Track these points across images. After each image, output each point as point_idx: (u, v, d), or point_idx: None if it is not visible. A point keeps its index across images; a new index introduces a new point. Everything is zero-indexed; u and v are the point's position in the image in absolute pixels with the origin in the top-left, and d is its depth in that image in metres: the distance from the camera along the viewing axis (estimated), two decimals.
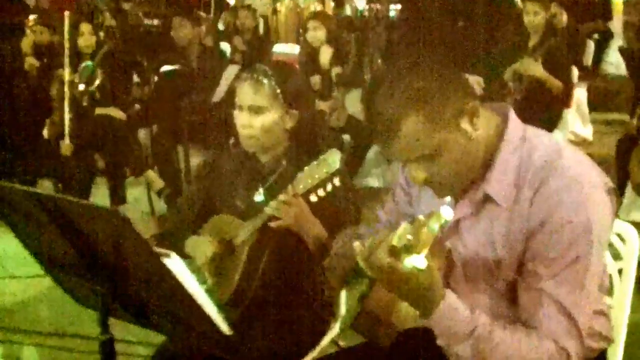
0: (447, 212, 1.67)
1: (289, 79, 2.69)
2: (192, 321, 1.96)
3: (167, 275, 1.80)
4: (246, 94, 2.66)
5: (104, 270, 1.94)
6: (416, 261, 1.66)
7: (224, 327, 1.92)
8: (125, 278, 1.96)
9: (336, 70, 6.54)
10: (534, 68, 5.81)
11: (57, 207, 1.85)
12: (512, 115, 1.99)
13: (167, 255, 1.81)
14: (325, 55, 6.63)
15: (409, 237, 1.65)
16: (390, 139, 1.87)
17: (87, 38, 6.12)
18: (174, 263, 1.81)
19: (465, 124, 1.87)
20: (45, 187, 6.42)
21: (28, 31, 6.44)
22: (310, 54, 6.78)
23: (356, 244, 1.79)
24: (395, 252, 1.69)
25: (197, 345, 2.38)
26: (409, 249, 1.65)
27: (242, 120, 2.68)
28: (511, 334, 1.85)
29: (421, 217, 1.67)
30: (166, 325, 2.11)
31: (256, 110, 2.65)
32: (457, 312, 1.82)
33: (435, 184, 1.96)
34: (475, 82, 4.60)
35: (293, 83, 2.70)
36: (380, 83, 1.91)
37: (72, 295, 2.23)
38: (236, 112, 2.72)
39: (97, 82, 6.02)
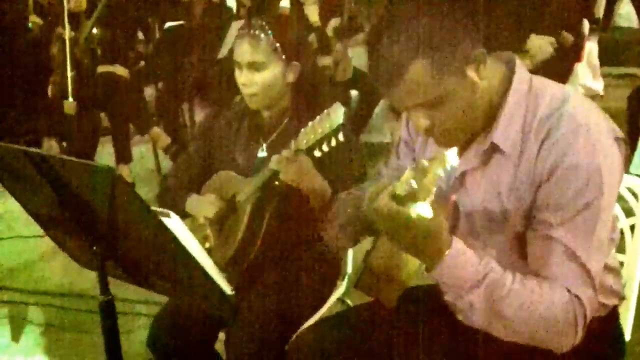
0: (451, 156, 1.62)
1: (287, 31, 2.64)
2: (193, 282, 1.92)
3: (166, 235, 1.76)
4: (244, 51, 2.63)
5: (100, 231, 1.90)
6: (422, 209, 1.60)
7: (226, 288, 1.89)
8: (123, 238, 1.92)
9: (333, 23, 6.48)
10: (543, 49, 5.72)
11: (49, 166, 1.81)
12: (519, 64, 1.94)
13: (167, 215, 1.76)
14: (313, 13, 6.57)
15: (413, 183, 1.60)
16: (394, 84, 1.81)
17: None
18: (174, 223, 1.76)
19: (471, 72, 1.82)
20: (51, 146, 6.41)
21: None
22: (300, 12, 6.72)
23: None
24: (399, 200, 1.64)
25: (198, 306, 2.36)
26: (412, 196, 1.60)
27: (243, 79, 2.64)
28: (522, 282, 1.79)
29: (425, 162, 1.62)
30: (166, 286, 2.08)
31: (256, 66, 2.62)
32: (466, 257, 1.77)
33: (437, 133, 1.90)
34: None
35: (292, 34, 2.65)
36: (384, 24, 1.83)
37: (72, 255, 2.20)
38: (237, 71, 2.68)
39: (96, 38, 5.96)
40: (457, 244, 1.77)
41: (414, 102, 1.83)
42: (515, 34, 4.30)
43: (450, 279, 1.78)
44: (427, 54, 1.75)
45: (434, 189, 1.60)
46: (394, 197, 1.65)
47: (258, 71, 2.61)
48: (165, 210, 1.78)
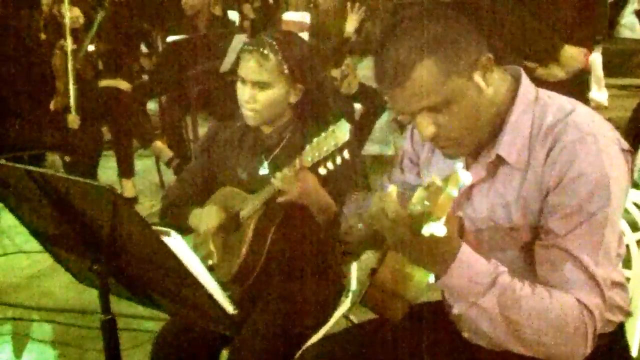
0: (465, 176, 1.58)
1: (295, 49, 2.61)
2: (194, 300, 1.91)
3: (167, 254, 1.74)
4: (251, 68, 2.59)
5: (102, 249, 1.89)
6: (435, 228, 1.55)
7: (228, 307, 1.87)
8: (124, 257, 1.91)
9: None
10: (553, 73, 5.70)
11: (51, 185, 1.80)
12: (524, 77, 1.93)
13: (167, 234, 1.75)
14: (351, 23, 6.59)
15: (426, 203, 1.57)
16: (400, 85, 1.79)
17: (71, 14, 6.00)
18: (174, 241, 1.75)
19: (478, 78, 1.81)
20: (54, 160, 6.41)
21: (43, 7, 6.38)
22: (320, 23, 6.73)
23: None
24: (412, 219, 1.61)
25: (201, 324, 2.34)
26: (426, 215, 1.56)
27: (246, 95, 2.61)
28: (532, 289, 1.77)
29: (437, 181, 1.59)
30: (168, 305, 2.06)
31: (260, 85, 2.59)
32: (475, 260, 1.74)
33: (443, 140, 1.89)
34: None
35: (299, 53, 2.62)
36: (390, 27, 1.83)
37: (73, 273, 2.20)
38: (239, 85, 2.65)
39: (87, 49, 5.97)
40: (465, 248, 1.74)
41: (420, 105, 1.81)
42: (551, 43, 4.30)
43: (461, 284, 1.74)
44: (434, 55, 1.75)
45: (448, 209, 1.56)
46: (408, 218, 1.62)
47: (262, 90, 2.59)
48: (166, 229, 1.76)
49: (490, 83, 1.84)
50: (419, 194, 1.59)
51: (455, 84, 1.78)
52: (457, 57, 1.77)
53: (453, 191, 1.55)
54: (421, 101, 1.80)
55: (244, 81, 2.62)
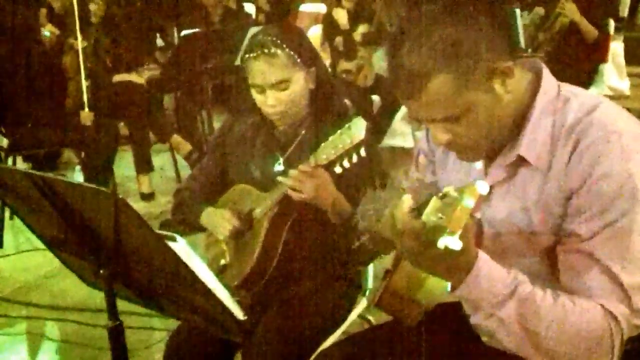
0: (482, 187, 1.49)
1: (293, 36, 2.53)
2: (201, 306, 1.86)
3: (172, 259, 1.69)
4: (264, 72, 2.48)
5: (107, 254, 1.85)
6: (450, 242, 1.46)
7: (238, 313, 1.81)
8: (129, 261, 1.88)
9: (362, 29, 6.44)
10: (571, 9, 5.67)
11: (51, 188, 1.77)
12: (546, 72, 1.84)
13: (172, 239, 1.69)
14: (342, 17, 6.56)
15: (440, 215, 1.49)
16: (415, 96, 1.72)
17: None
18: (180, 246, 1.69)
19: (497, 85, 1.73)
20: (69, 157, 6.39)
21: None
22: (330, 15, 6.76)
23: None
24: (426, 231, 1.53)
25: (209, 330, 2.29)
26: (441, 229, 1.48)
27: (270, 100, 2.51)
28: (554, 297, 1.70)
29: (453, 192, 1.50)
30: (175, 310, 2.02)
31: (280, 84, 2.49)
32: (493, 270, 1.67)
33: (458, 146, 1.83)
34: None
35: (298, 38, 2.55)
36: (404, 32, 1.73)
37: (80, 276, 2.17)
38: (257, 95, 2.55)
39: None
40: (482, 258, 1.67)
41: (434, 117, 1.75)
42: None
43: (478, 295, 1.68)
44: (450, 68, 1.67)
45: (464, 223, 1.47)
46: (420, 231, 1.55)
47: (284, 90, 2.49)
48: (171, 234, 1.70)
49: (510, 89, 1.75)
50: (433, 204, 1.51)
51: (472, 95, 1.70)
52: (475, 67, 1.68)
53: (469, 203, 1.46)
54: (435, 113, 1.74)
55: (262, 89, 2.52)
